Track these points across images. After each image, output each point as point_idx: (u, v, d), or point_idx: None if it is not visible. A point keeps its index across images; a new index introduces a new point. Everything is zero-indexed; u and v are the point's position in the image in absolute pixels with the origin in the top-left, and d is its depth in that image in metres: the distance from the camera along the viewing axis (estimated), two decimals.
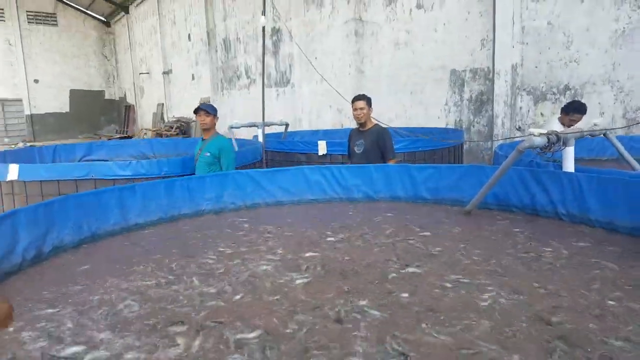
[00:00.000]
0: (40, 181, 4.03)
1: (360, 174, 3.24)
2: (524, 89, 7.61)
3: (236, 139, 5.91)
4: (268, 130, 8.12)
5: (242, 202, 3.11)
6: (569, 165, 2.55)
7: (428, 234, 2.42)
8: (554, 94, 7.29)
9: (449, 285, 1.76)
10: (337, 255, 2.12)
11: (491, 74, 8.03)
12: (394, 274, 1.88)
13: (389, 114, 10.22)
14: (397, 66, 9.86)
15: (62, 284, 1.83)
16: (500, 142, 7.35)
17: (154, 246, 2.33)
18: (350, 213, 2.91)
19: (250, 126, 6.31)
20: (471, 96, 8.56)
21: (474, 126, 8.59)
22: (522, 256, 2.04)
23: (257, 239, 2.40)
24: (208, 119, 4.22)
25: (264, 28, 4.85)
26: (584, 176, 2.38)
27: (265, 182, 3.13)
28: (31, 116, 24.21)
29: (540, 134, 2.38)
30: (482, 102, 8.37)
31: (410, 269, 1.92)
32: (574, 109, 5.23)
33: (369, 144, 4.35)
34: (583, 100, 7.02)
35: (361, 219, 2.74)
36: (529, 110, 7.51)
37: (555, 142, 2.40)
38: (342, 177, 3.26)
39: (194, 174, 4.18)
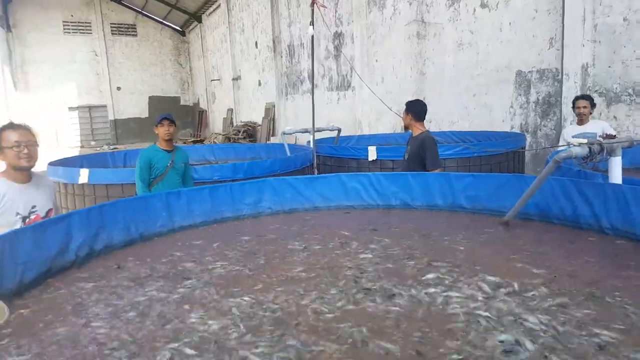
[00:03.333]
0: (107, 184, 4.42)
1: (397, 182, 3.25)
2: (595, 91, 7.16)
3: (289, 145, 6.08)
4: (325, 135, 8.25)
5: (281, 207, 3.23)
6: (616, 176, 2.40)
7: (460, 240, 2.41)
8: (629, 95, 6.80)
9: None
10: None
11: (560, 75, 7.64)
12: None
13: (451, 117, 10.01)
14: (460, 67, 9.64)
15: None
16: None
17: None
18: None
19: (303, 132, 6.45)
20: (538, 98, 8.19)
21: (540, 130, 8.20)
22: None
23: None
24: (172, 129, 4.13)
25: (312, 37, 4.95)
26: (630, 188, 2.25)
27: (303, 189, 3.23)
28: (114, 121, 26.13)
29: (581, 144, 2.27)
30: (550, 105, 7.98)
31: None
32: (576, 98, 5.22)
33: (413, 152, 4.31)
34: None
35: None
36: (600, 113, 7.05)
37: (598, 152, 2.29)
38: (380, 185, 3.28)
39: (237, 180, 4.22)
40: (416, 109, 4.42)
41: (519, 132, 8.33)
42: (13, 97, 21.67)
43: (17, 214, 2.55)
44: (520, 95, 8.49)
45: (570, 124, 6.54)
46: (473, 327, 1.51)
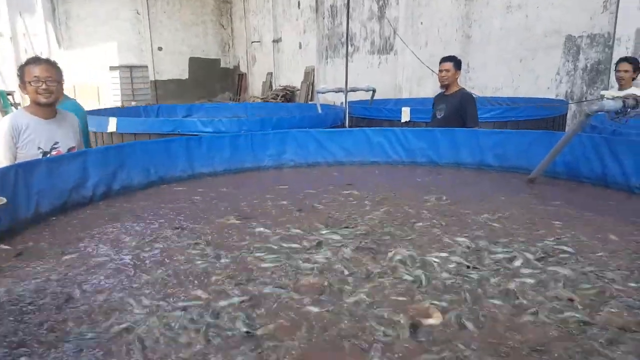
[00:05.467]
0: (135, 134, 4.52)
1: (424, 137, 3.15)
2: None
3: (322, 104, 6.01)
4: (363, 97, 8.12)
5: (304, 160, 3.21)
6: None
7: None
8: None
9: None
10: None
11: (611, 40, 7.16)
12: None
13: (494, 83, 9.64)
14: (507, 31, 9.20)
15: None
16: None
17: None
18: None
19: (337, 91, 6.35)
20: (586, 65, 7.73)
21: (586, 98, 7.76)
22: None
23: None
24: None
25: None
26: None
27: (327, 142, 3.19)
28: (155, 82, 26.41)
29: (615, 97, 2.12)
30: (598, 72, 7.52)
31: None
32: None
33: (450, 110, 4.14)
34: None
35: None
36: None
37: (633, 106, 2.13)
38: (406, 140, 3.19)
39: None
40: (460, 64, 4.27)
41: (563, 99, 7.94)
42: (57, 54, 22.13)
43: (39, 148, 2.59)
44: (568, 61, 8.05)
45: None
46: None
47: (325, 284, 1.44)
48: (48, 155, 2.56)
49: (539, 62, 8.59)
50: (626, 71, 4.65)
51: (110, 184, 2.38)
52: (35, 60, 2.55)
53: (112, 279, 1.49)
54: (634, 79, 4.70)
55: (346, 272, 1.52)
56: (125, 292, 1.39)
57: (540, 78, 8.60)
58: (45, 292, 1.39)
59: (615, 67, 4.86)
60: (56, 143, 2.63)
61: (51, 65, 2.57)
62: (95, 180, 2.28)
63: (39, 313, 1.26)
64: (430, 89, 11.21)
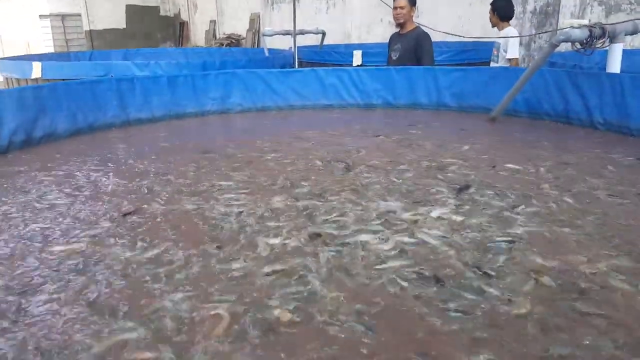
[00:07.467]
0: (63, 79, 4.07)
1: (379, 77, 2.98)
2: None
3: (269, 49, 5.67)
4: (310, 41, 7.78)
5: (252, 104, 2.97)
6: (614, 65, 2.15)
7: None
8: (630, 3, 6.38)
9: None
10: None
11: None
12: None
13: (443, 27, 9.47)
14: None
15: None
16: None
17: None
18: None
19: (285, 34, 6.02)
20: (535, 8, 7.71)
21: (535, 42, 7.80)
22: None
23: None
24: None
25: None
26: (629, 77, 2.02)
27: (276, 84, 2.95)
28: (90, 32, 24.45)
29: (582, 26, 2.00)
30: (547, 15, 7.53)
31: None
32: None
33: (405, 49, 3.96)
34: None
35: None
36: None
37: (599, 36, 2.02)
38: (361, 81, 3.01)
39: None
40: (415, 0, 4.10)
41: None
42: None
43: None
44: (517, 4, 7.98)
45: None
46: None
47: None
48: None
49: (488, 6, 8.52)
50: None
51: (30, 131, 2.06)
52: None
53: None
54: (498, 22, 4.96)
55: None
56: None
57: (488, 22, 8.55)
58: None
59: None
60: None
61: None
62: (11, 127, 1.96)
63: None
64: (380, 35, 10.95)
